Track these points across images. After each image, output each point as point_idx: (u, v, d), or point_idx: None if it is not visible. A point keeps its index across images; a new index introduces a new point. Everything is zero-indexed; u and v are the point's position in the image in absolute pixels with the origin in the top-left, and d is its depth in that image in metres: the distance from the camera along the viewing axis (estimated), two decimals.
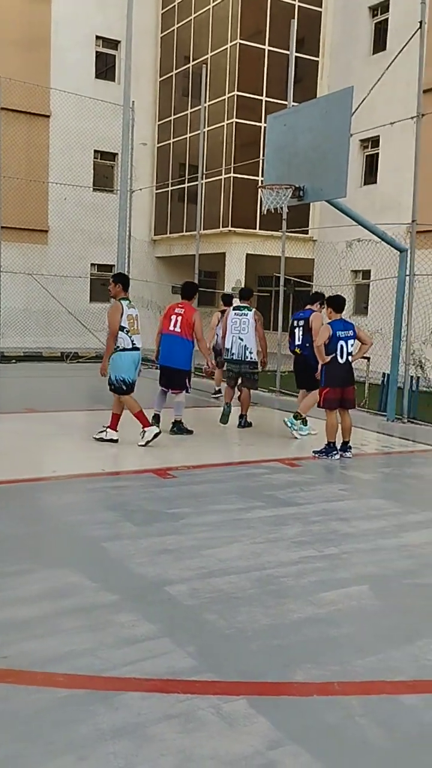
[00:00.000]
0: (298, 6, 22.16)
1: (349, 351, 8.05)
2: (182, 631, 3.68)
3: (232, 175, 21.72)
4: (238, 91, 21.69)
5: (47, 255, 22.39)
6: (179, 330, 8.90)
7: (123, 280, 8.36)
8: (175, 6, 24.73)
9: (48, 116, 23.10)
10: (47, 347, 19.20)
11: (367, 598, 4.23)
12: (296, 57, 14.43)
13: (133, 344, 8.14)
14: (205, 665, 3.33)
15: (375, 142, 20.48)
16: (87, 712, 2.90)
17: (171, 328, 8.94)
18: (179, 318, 8.94)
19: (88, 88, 22.25)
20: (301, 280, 18.21)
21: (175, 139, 24.98)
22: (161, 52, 25.74)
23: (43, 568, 4.42)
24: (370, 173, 21.31)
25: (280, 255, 14.12)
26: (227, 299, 12.70)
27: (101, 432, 8.23)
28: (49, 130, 23.20)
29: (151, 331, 9.32)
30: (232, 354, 9.67)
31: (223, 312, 12.50)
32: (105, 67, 24.68)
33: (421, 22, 10.62)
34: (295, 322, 9.42)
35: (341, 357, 8.01)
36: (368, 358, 11.11)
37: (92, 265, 23.62)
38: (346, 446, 8.19)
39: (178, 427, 9.00)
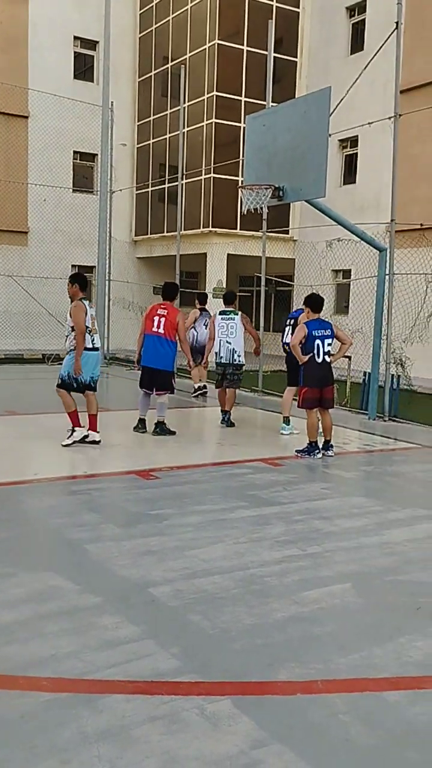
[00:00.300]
0: (276, 6, 22.21)
1: (326, 350, 8.08)
2: (166, 632, 3.68)
3: (212, 175, 21.73)
4: (217, 91, 21.71)
5: (27, 256, 22.28)
6: (163, 331, 8.89)
7: (80, 280, 8.23)
8: (153, 6, 24.70)
9: (26, 117, 22.98)
10: (28, 349, 19.09)
11: (349, 596, 4.25)
12: (274, 57, 14.46)
13: (93, 344, 8.14)
14: (189, 666, 3.33)
15: (354, 141, 20.58)
16: (71, 715, 2.89)
17: (154, 329, 8.93)
18: (163, 319, 8.93)
19: (66, 89, 22.16)
20: (282, 280, 18.27)
21: (155, 140, 24.95)
22: (140, 53, 25.70)
23: (25, 571, 4.39)
24: (350, 173, 21.42)
25: (261, 255, 14.15)
26: (203, 298, 13.08)
27: (84, 436, 8.20)
28: (27, 130, 23.07)
29: (133, 332, 9.32)
30: (221, 357, 9.92)
31: (201, 311, 12.67)
32: (83, 68, 24.60)
33: (397, 23, 10.70)
34: (288, 321, 9.55)
35: (318, 356, 8.05)
36: (349, 357, 11.18)
37: (73, 266, 23.47)
38: (327, 444, 8.23)
39: (161, 428, 8.99)
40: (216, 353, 10.00)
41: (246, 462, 7.77)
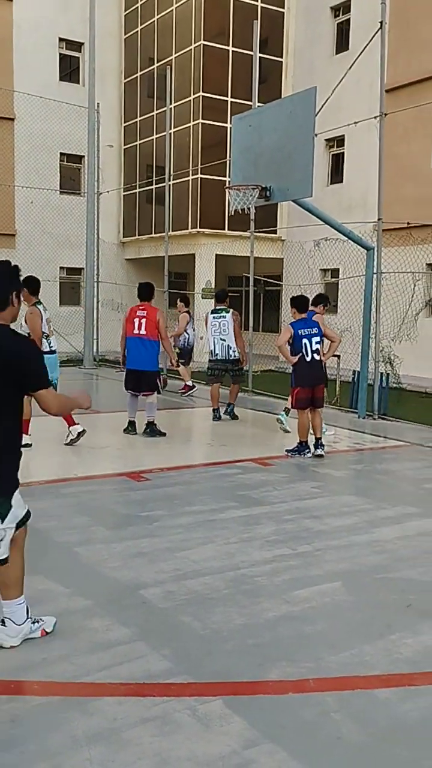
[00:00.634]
0: (261, 7, 22.23)
1: (315, 349, 8.09)
2: (157, 634, 3.67)
3: (199, 176, 21.73)
4: (203, 92, 21.71)
5: (15, 259, 21.56)
6: (145, 332, 8.91)
7: (31, 284, 7.89)
8: (138, 7, 24.68)
9: (12, 119, 22.90)
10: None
11: (340, 594, 4.26)
12: (260, 58, 14.47)
13: (51, 347, 8.10)
14: (181, 667, 3.33)
15: (340, 141, 20.63)
16: (62, 719, 2.89)
17: (136, 331, 8.94)
18: (143, 320, 8.95)
19: (52, 91, 22.09)
20: (271, 280, 18.29)
21: (142, 141, 24.92)
22: (125, 54, 25.67)
23: None
24: (337, 172, 21.46)
25: (249, 255, 14.17)
26: (186, 300, 13.57)
27: (68, 435, 8.17)
28: (13, 133, 22.99)
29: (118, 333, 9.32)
30: (216, 354, 10.26)
31: (188, 312, 12.99)
32: (69, 70, 24.54)
33: (381, 22, 10.74)
34: None
35: (307, 355, 8.07)
36: (338, 356, 11.21)
37: (61, 268, 23.46)
38: (318, 442, 8.24)
39: (152, 429, 8.99)
40: (211, 351, 10.28)
41: (236, 462, 7.77)
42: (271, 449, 8.58)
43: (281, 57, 22.96)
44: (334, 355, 9.44)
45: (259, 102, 13.13)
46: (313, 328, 8.18)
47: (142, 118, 24.91)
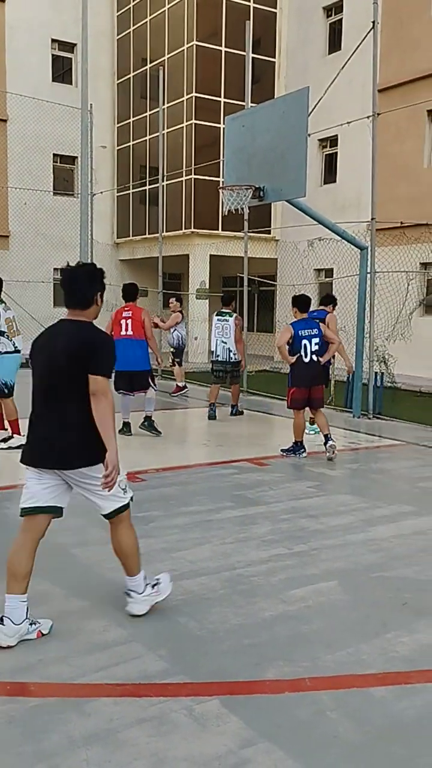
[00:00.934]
0: (253, 7, 22.24)
1: (314, 350, 8.06)
2: (153, 634, 3.68)
3: (192, 176, 21.73)
4: (196, 92, 21.71)
5: (8, 260, 22.15)
6: (131, 333, 8.93)
7: None
8: (130, 8, 24.67)
9: (5, 120, 22.87)
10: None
11: (336, 593, 4.27)
12: (253, 58, 14.48)
13: (15, 347, 8.07)
14: (177, 667, 3.34)
15: (333, 141, 20.65)
16: (58, 720, 2.89)
17: (123, 332, 8.94)
18: (129, 321, 8.97)
19: (45, 92, 22.08)
20: (265, 280, 18.31)
21: (135, 142, 24.91)
22: (118, 55, 25.65)
23: None
24: (330, 172, 21.49)
25: (243, 255, 14.18)
26: (180, 300, 13.70)
27: (8, 440, 8.03)
28: (6, 134, 22.96)
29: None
30: (217, 356, 10.64)
31: (181, 312, 13.07)
32: (62, 70, 24.51)
33: (374, 22, 10.76)
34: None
35: (306, 356, 8.04)
36: (333, 356, 11.20)
37: (55, 269, 23.39)
38: (327, 439, 8.03)
39: (149, 423, 9.03)
40: (212, 352, 10.71)
41: (232, 462, 7.78)
42: (267, 449, 8.59)
43: (274, 57, 22.98)
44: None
45: (252, 102, 13.15)
46: (313, 329, 8.11)
47: (135, 118, 24.90)
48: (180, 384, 13.14)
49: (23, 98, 20.74)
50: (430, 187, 17.21)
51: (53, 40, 23.94)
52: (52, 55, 24.11)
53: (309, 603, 4.11)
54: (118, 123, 25.91)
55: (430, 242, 15.71)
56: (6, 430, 8.18)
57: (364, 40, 11.00)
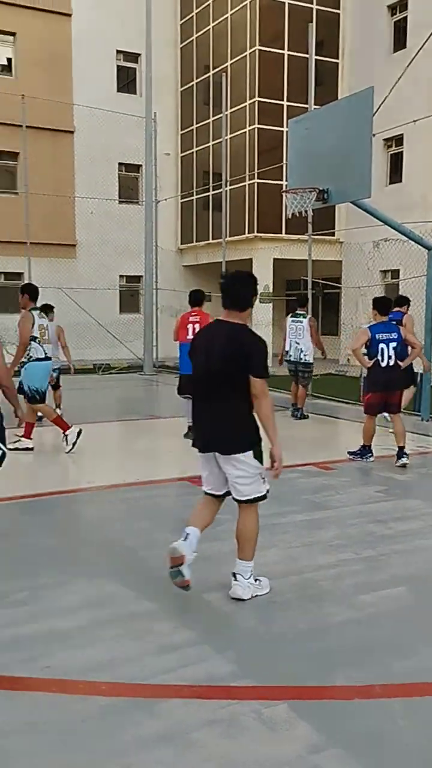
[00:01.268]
0: (316, 9, 22.13)
1: (390, 354, 7.75)
2: (221, 637, 3.69)
3: (255, 181, 21.75)
4: (258, 97, 21.73)
5: (76, 269, 22.64)
6: None
7: (30, 290, 8.29)
8: (193, 16, 24.91)
9: (72, 132, 23.41)
10: (79, 359, 19.27)
11: (405, 599, 4.20)
12: (316, 60, 14.40)
13: (45, 354, 8.20)
14: (245, 671, 3.34)
15: (399, 140, 20.33)
16: (129, 720, 2.93)
17: (189, 336, 8.99)
18: (196, 326, 9.00)
19: (110, 102, 22.49)
20: (330, 283, 18.15)
21: (198, 148, 25.11)
22: (181, 63, 25.93)
23: (79, 578, 4.45)
24: (396, 172, 21.15)
25: (307, 258, 14.09)
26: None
27: (16, 442, 8.08)
28: (73, 145, 23.51)
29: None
30: (290, 356, 11.11)
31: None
32: (126, 81, 24.94)
33: None
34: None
35: (383, 361, 7.75)
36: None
37: (121, 276, 23.84)
38: (401, 451, 7.79)
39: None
40: (286, 352, 11.18)
41: (297, 466, 7.72)
42: (333, 453, 8.49)
43: (337, 58, 22.80)
44: None
45: (315, 105, 13.07)
46: (392, 333, 7.80)
47: (198, 125, 25.11)
48: None
49: (89, 110, 21.18)
50: None
51: (118, 52, 24.39)
52: (117, 65, 24.56)
53: (378, 609, 4.04)
54: (181, 130, 26.17)
55: None
56: (31, 438, 8.25)
57: (430, 37, 10.80)
